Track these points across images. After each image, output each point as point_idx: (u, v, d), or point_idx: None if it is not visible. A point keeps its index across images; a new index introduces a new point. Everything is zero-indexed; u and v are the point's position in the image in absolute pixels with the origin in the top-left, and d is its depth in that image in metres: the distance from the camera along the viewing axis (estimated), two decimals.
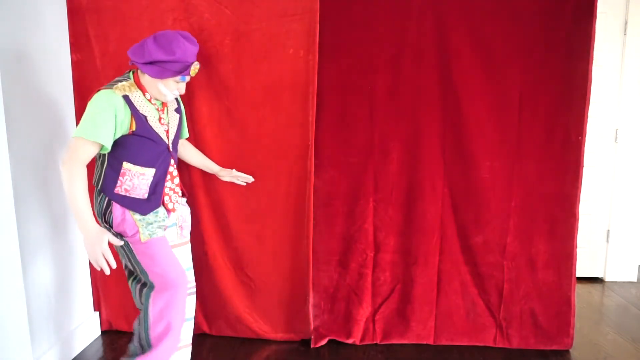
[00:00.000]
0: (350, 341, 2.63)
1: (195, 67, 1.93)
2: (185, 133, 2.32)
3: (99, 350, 2.57)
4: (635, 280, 3.63)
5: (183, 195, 2.19)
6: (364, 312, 2.64)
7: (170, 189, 2.06)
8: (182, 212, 2.17)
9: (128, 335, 2.57)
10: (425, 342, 2.65)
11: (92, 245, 1.83)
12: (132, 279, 2.11)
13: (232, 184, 2.51)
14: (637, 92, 3.44)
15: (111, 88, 1.87)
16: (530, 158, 2.50)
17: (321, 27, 2.37)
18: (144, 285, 2.04)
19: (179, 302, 2.02)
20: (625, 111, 3.46)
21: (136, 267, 2.00)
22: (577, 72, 2.43)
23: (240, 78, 2.42)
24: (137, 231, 1.93)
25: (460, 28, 2.43)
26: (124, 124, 1.86)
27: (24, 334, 2.11)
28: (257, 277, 2.62)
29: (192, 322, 2.25)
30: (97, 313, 2.70)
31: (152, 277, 1.98)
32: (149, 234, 1.95)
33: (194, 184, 2.52)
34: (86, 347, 2.58)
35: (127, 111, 1.87)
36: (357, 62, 2.47)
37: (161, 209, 2.01)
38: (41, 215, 2.23)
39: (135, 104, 1.89)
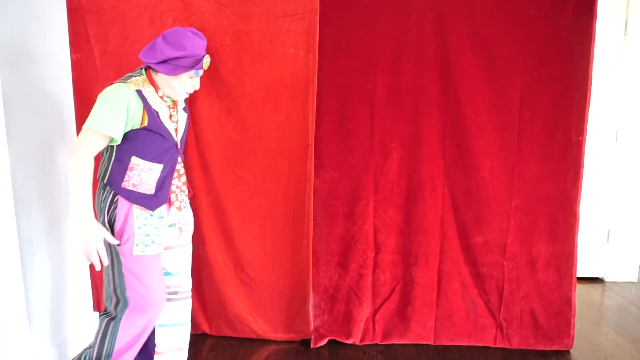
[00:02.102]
0: (350, 341, 2.63)
1: (207, 60, 1.93)
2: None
3: None
4: (635, 280, 3.63)
5: (189, 194, 2.15)
6: (364, 312, 2.63)
7: (177, 186, 2.03)
8: (183, 213, 2.12)
9: None
10: (425, 342, 2.65)
11: (87, 239, 1.80)
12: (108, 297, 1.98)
13: (232, 184, 2.51)
14: (637, 92, 3.44)
15: (125, 82, 1.86)
16: (531, 158, 2.50)
17: (321, 27, 2.37)
18: (117, 303, 1.95)
19: (150, 328, 1.96)
20: (625, 111, 3.46)
21: (116, 278, 1.92)
22: (577, 72, 2.43)
23: (240, 78, 2.42)
24: (132, 241, 1.88)
25: (461, 28, 2.43)
26: (135, 118, 1.85)
27: (23, 334, 2.10)
28: (257, 277, 2.62)
29: (188, 326, 2.20)
30: (97, 313, 2.69)
31: (128, 294, 1.91)
32: (142, 250, 1.90)
33: (195, 184, 2.52)
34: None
35: (140, 105, 1.85)
36: (357, 62, 2.47)
37: (165, 211, 1.97)
38: (41, 216, 2.23)
39: (147, 99, 1.88)
